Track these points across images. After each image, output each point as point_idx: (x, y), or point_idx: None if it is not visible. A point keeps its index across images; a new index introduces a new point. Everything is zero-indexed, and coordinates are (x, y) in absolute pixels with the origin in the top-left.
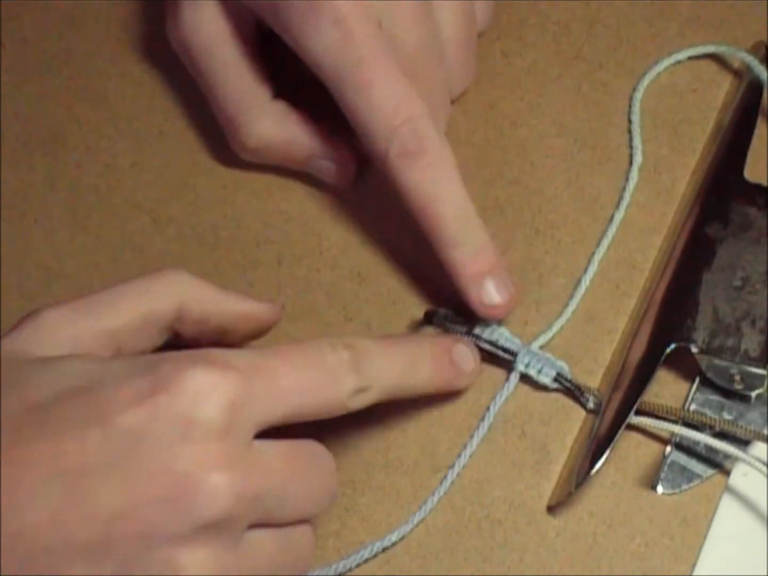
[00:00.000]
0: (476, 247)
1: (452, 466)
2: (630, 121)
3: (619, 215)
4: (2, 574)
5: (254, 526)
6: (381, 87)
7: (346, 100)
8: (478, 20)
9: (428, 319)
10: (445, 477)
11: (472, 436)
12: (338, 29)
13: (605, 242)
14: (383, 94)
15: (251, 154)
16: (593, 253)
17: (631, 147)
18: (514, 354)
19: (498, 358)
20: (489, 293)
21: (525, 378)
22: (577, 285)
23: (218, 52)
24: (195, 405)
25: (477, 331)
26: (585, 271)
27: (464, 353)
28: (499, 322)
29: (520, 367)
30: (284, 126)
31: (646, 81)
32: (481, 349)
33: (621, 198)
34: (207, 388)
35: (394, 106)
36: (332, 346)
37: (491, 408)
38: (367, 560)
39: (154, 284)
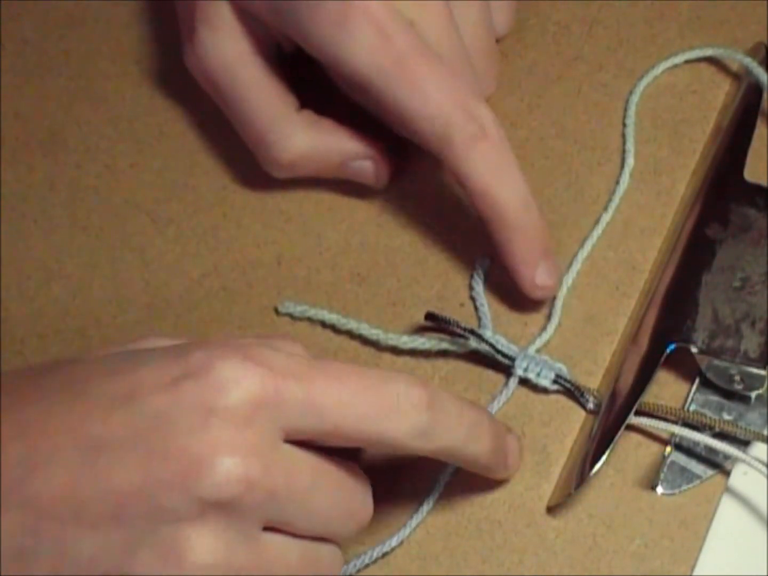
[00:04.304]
0: (534, 231)
1: (447, 468)
2: (625, 125)
3: (606, 217)
4: (7, 536)
5: (274, 529)
6: (429, 79)
7: (393, 98)
8: (498, 25)
9: (428, 320)
10: (439, 479)
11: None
12: (374, 30)
13: (589, 243)
14: (433, 86)
15: (286, 170)
16: (576, 253)
17: (624, 150)
18: (512, 359)
19: (497, 361)
20: (541, 275)
21: (525, 380)
22: (561, 286)
23: (240, 72)
24: (219, 393)
25: (477, 333)
26: (568, 271)
27: (514, 444)
28: (498, 328)
29: (519, 371)
30: (317, 134)
31: (642, 84)
32: (481, 352)
33: (610, 200)
34: (234, 379)
35: (447, 94)
36: (404, 380)
37: (489, 411)
38: (367, 565)
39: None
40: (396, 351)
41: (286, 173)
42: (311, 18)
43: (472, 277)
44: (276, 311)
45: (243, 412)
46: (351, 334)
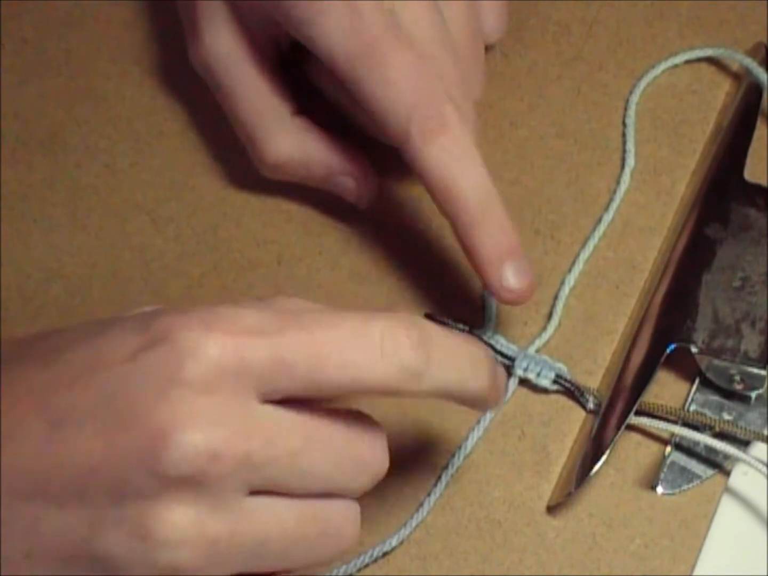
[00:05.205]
0: (498, 229)
1: (447, 467)
2: (625, 125)
3: (607, 217)
4: None
5: (261, 492)
6: (397, 67)
7: (361, 83)
8: (489, 29)
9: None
10: (440, 478)
11: (467, 438)
12: (348, 10)
13: (591, 243)
14: (399, 74)
15: (271, 171)
16: (578, 253)
17: (624, 150)
18: (511, 359)
19: (497, 361)
20: (508, 276)
21: (525, 380)
22: (562, 285)
23: (237, 70)
24: (178, 364)
25: (476, 333)
26: (570, 271)
27: (503, 376)
28: (497, 328)
29: (519, 371)
30: (303, 142)
31: (642, 85)
32: None
33: (611, 201)
34: (191, 349)
35: (412, 85)
36: (391, 319)
37: (488, 412)
38: (367, 565)
39: None
40: None
41: (273, 174)
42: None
43: None
44: None
45: (203, 381)
46: None
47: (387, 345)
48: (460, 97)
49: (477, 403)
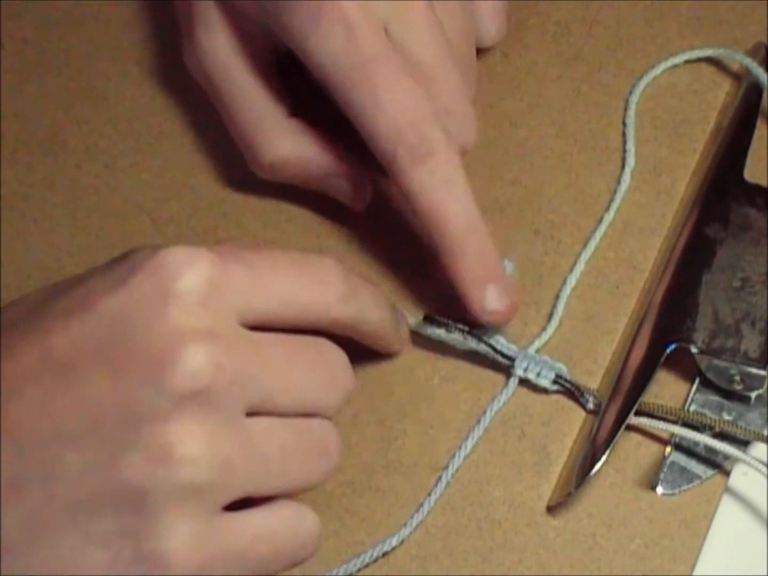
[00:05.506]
0: (480, 254)
1: (447, 468)
2: (625, 125)
3: (608, 217)
4: (2, 468)
5: (259, 413)
6: (386, 89)
7: (350, 103)
8: (486, 31)
9: (427, 322)
10: (440, 479)
11: (467, 438)
12: (342, 31)
13: (593, 243)
14: (389, 97)
15: (267, 172)
16: (579, 254)
17: (624, 150)
18: (511, 359)
19: (498, 361)
20: (491, 299)
21: (525, 380)
22: (563, 286)
23: (233, 73)
24: (172, 277)
25: (476, 334)
26: (571, 271)
27: (402, 315)
28: (497, 328)
29: (519, 372)
30: (299, 143)
31: (642, 84)
32: (480, 353)
33: (612, 200)
34: (184, 262)
35: (401, 108)
36: (320, 256)
37: (488, 412)
38: (367, 565)
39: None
40: None
41: (268, 175)
42: (289, 11)
43: None
44: None
45: (199, 293)
46: None
47: (330, 276)
48: (460, 101)
49: (382, 334)
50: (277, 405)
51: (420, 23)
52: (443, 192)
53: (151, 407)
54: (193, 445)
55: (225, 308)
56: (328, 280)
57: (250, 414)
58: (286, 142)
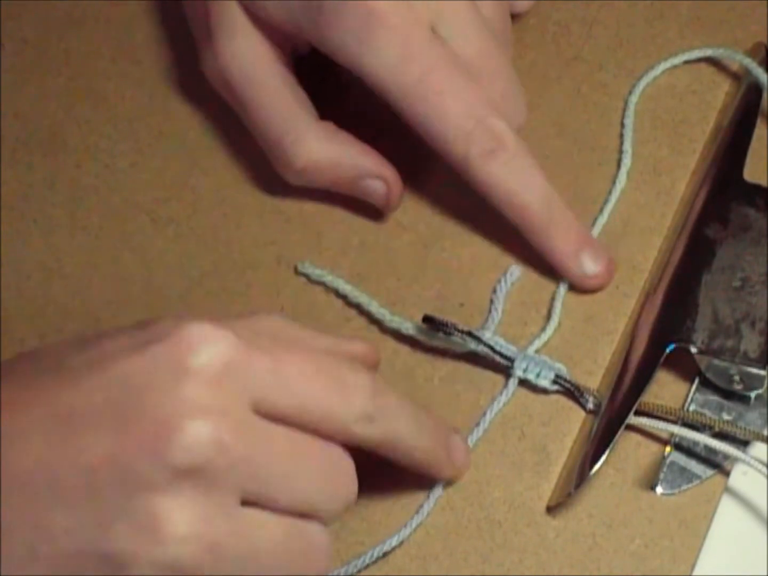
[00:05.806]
0: (566, 227)
1: None
2: (623, 125)
3: (601, 219)
4: None
5: (254, 504)
6: (448, 95)
7: (414, 113)
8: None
9: (426, 323)
10: (439, 480)
11: (468, 438)
12: (396, 47)
13: None
14: (452, 102)
15: (298, 176)
16: None
17: (621, 151)
18: (511, 360)
19: (497, 361)
20: (588, 265)
21: (525, 381)
22: (563, 286)
23: (260, 79)
24: (190, 352)
25: (475, 334)
26: None
27: (458, 444)
28: (496, 330)
29: (518, 372)
30: (332, 145)
31: (641, 85)
32: (480, 353)
33: (606, 201)
34: (205, 338)
35: (465, 110)
36: (354, 368)
37: (488, 412)
38: (367, 566)
39: None
40: (398, 337)
41: (298, 179)
42: (331, 25)
43: (498, 281)
44: (295, 270)
45: (214, 371)
46: (360, 309)
47: (352, 387)
48: (510, 84)
49: (421, 460)
50: (274, 500)
51: (464, 17)
52: (519, 180)
53: (147, 477)
54: (182, 523)
55: (239, 391)
56: (353, 397)
57: (246, 503)
58: (318, 146)
